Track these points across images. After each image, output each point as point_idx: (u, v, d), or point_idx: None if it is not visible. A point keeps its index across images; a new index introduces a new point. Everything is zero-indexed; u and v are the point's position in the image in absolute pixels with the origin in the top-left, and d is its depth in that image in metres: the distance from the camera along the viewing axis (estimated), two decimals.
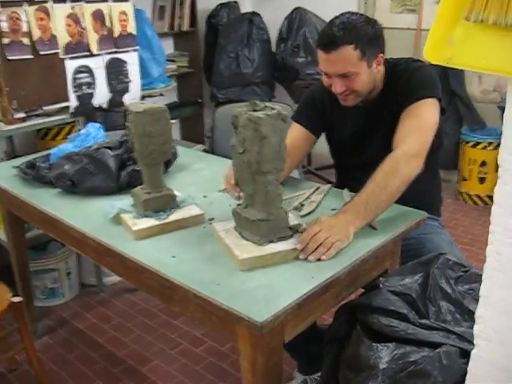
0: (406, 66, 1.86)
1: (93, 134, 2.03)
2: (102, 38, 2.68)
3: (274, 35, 4.36)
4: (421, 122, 1.74)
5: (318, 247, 1.44)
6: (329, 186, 1.95)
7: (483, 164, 3.95)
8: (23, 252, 2.45)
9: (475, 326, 0.67)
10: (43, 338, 2.66)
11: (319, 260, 1.43)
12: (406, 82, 1.81)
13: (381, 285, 1.49)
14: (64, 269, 2.90)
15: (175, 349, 2.56)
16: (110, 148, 1.94)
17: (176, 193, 1.78)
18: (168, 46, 4.48)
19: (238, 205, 1.56)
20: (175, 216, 1.65)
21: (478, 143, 3.94)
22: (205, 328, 2.64)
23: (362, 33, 1.72)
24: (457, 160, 4.14)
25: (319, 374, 2.17)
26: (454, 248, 1.91)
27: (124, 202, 1.75)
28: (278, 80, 4.44)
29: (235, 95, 4.35)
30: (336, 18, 1.78)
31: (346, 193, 1.87)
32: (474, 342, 0.66)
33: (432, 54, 0.67)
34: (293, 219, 1.56)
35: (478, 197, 4.05)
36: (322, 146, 2.16)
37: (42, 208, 1.87)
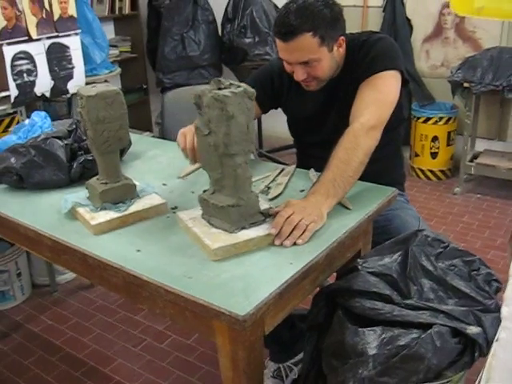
0: (365, 38, 1.80)
1: (39, 123, 1.88)
2: (41, 22, 2.50)
3: (219, 16, 4.23)
4: (380, 95, 1.69)
5: (292, 231, 1.37)
6: (293, 167, 1.87)
7: (435, 139, 3.98)
8: None
9: (504, 308, 0.61)
10: None
11: (295, 244, 1.36)
12: (366, 54, 1.76)
13: (359, 266, 1.44)
14: (14, 270, 2.73)
15: (139, 346, 2.45)
16: (58, 138, 1.80)
17: (135, 182, 1.67)
18: (109, 31, 4.31)
19: (204, 191, 1.46)
20: (136, 207, 1.54)
21: (429, 118, 3.96)
22: (169, 322, 2.55)
23: (319, 18, 1.64)
24: (408, 136, 4.16)
25: (291, 360, 2.11)
26: (422, 223, 1.88)
27: (78, 194, 1.62)
28: (225, 62, 4.34)
29: (182, 79, 4.23)
30: (292, 1, 1.69)
31: (312, 173, 1.80)
32: (502, 324, 0.60)
33: (460, 6, 0.60)
34: (263, 203, 1.48)
35: (431, 171, 4.08)
36: (274, 127, 2.08)
37: None
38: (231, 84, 1.33)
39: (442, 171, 4.08)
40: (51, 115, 3.21)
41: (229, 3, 4.14)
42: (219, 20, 4.25)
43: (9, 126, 3.07)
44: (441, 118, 3.91)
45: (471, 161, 3.81)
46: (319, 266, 1.35)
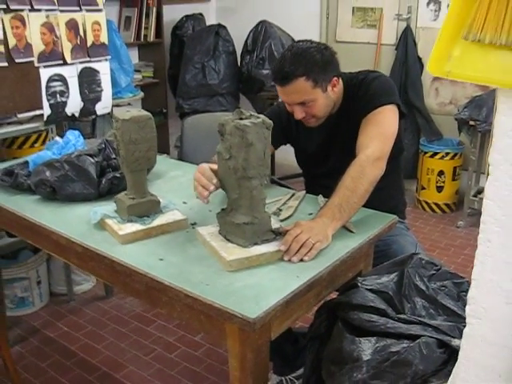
0: (363, 77, 1.98)
1: (72, 141, 2.06)
2: (75, 48, 2.71)
3: (239, 47, 4.45)
4: (381, 129, 1.86)
5: (300, 248, 1.52)
6: (303, 192, 2.03)
7: (441, 173, 4.12)
8: None
9: (467, 307, 0.76)
10: (15, 347, 2.64)
11: (302, 260, 1.51)
12: (365, 91, 1.93)
13: (359, 284, 1.58)
14: (34, 277, 2.89)
15: (149, 355, 2.58)
16: (90, 155, 1.98)
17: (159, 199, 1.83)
18: (133, 56, 4.52)
19: (222, 209, 1.62)
20: (159, 221, 1.70)
21: (436, 153, 4.11)
22: (180, 334, 2.69)
23: (311, 63, 1.84)
24: (416, 169, 4.31)
25: (294, 374, 2.24)
26: (419, 249, 2.02)
27: (106, 207, 1.78)
28: (242, 91, 4.53)
29: (201, 106, 4.42)
30: (287, 50, 1.91)
31: (320, 198, 1.96)
32: (466, 321, 0.74)
33: (434, 67, 0.76)
34: (274, 223, 1.63)
35: (436, 205, 4.22)
36: (286, 156, 2.26)
37: (22, 214, 1.88)
38: (251, 115, 1.50)
39: (446, 205, 4.22)
40: None
41: (249, 36, 4.36)
42: (239, 51, 4.46)
43: (36, 141, 3.26)
44: (447, 154, 4.07)
45: (475, 196, 3.94)
46: (322, 281, 1.50)
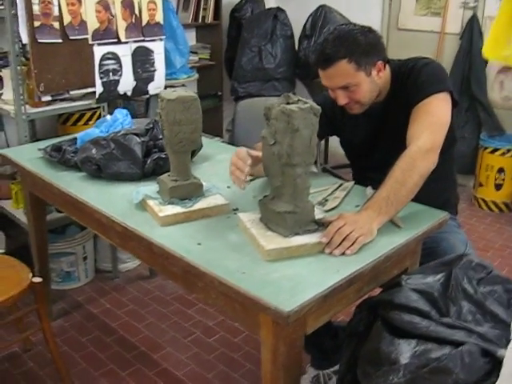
0: (412, 64, 1.88)
1: (120, 119, 2.05)
2: (130, 26, 2.70)
3: (297, 32, 4.36)
4: (433, 119, 1.76)
5: (342, 241, 1.46)
6: (351, 183, 1.96)
7: (500, 171, 3.94)
8: (43, 234, 2.48)
9: None
10: (58, 320, 2.69)
11: (343, 254, 1.45)
12: (415, 79, 1.84)
13: (403, 282, 1.50)
14: (81, 253, 2.93)
15: (188, 337, 2.58)
16: (136, 135, 1.96)
17: (202, 182, 1.80)
18: (191, 38, 4.51)
19: (265, 196, 1.57)
20: (200, 204, 1.67)
21: (497, 149, 3.93)
22: (220, 319, 2.68)
23: (354, 45, 1.76)
24: (474, 165, 4.14)
25: (332, 369, 2.19)
26: (469, 248, 1.92)
27: (149, 188, 1.77)
28: (299, 77, 4.45)
29: (256, 90, 4.37)
30: (330, 33, 1.84)
31: (368, 190, 1.88)
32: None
33: (491, 52, 0.69)
34: (318, 213, 1.57)
35: (494, 203, 4.04)
36: (339, 145, 2.18)
37: (66, 190, 1.89)
38: (299, 100, 1.44)
39: (505, 203, 4.03)
40: (130, 113, 3.43)
41: (307, 20, 4.26)
42: (297, 36, 4.38)
43: (90, 119, 3.29)
44: (509, 150, 3.88)
45: None
46: (364, 277, 1.43)
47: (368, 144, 2.01)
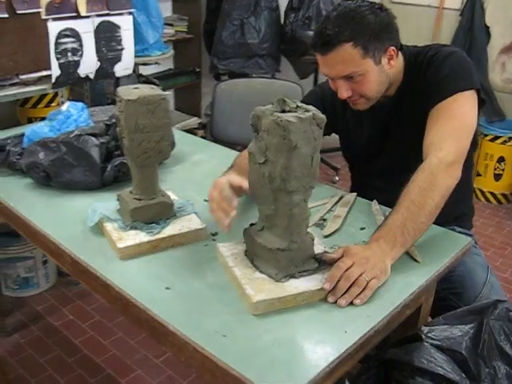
0: (433, 53, 1.55)
1: (74, 115, 1.69)
2: None
3: (283, 4, 3.98)
4: (458, 123, 1.45)
5: (350, 286, 1.15)
6: (353, 195, 1.64)
7: (500, 160, 3.66)
8: None
9: None
10: (14, 335, 2.36)
11: (351, 304, 1.14)
12: (436, 72, 1.51)
13: (423, 336, 1.21)
14: (40, 256, 2.58)
15: (161, 357, 2.27)
16: (94, 135, 1.62)
17: (172, 195, 1.47)
18: (166, 8, 4.10)
19: (252, 224, 1.25)
20: (171, 229, 1.34)
21: (497, 137, 3.64)
22: None
23: (362, 26, 1.42)
24: None
25: None
26: (491, 274, 1.63)
27: (108, 205, 1.43)
28: (284, 53, 4.09)
29: (237, 67, 4.01)
30: (333, 9, 1.48)
31: (375, 206, 1.57)
32: None
33: None
34: (316, 243, 1.25)
35: (492, 194, 3.77)
36: None
37: (9, 205, 1.54)
38: (298, 107, 1.10)
39: (503, 195, 3.76)
40: (96, 93, 3.05)
41: None
42: (283, 8, 4.00)
43: (52, 100, 2.91)
44: (510, 138, 3.59)
45: None
46: (377, 335, 1.12)
47: (373, 146, 1.69)
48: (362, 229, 1.45)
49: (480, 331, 1.20)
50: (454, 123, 1.44)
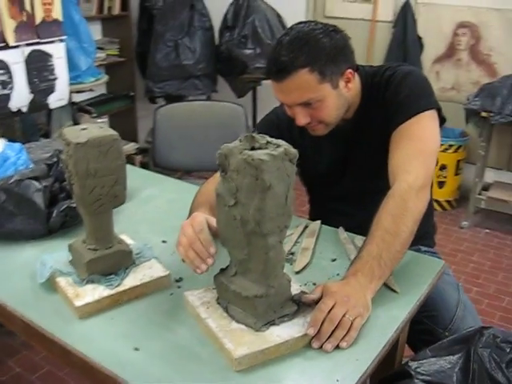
0: (390, 73, 1.51)
1: (12, 158, 1.55)
2: (20, 26, 2.16)
3: (217, 23, 3.91)
4: (422, 145, 1.41)
5: (334, 329, 1.07)
6: (317, 223, 1.57)
7: (443, 168, 3.71)
8: None
9: None
10: None
11: (337, 347, 1.06)
12: (395, 93, 1.47)
13: (412, 372, 1.15)
14: None
15: None
16: (35, 178, 1.48)
17: (127, 239, 1.36)
18: (95, 32, 3.93)
19: (222, 269, 1.15)
20: (132, 280, 1.22)
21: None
22: None
23: (317, 50, 1.37)
24: None
25: None
26: (461, 293, 1.60)
27: (58, 256, 1.30)
28: (221, 73, 4.01)
29: (174, 89, 3.90)
30: (285, 33, 1.42)
31: (342, 234, 1.51)
32: None
33: None
34: (291, 283, 1.17)
35: (437, 201, 3.82)
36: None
37: None
38: (268, 142, 1.02)
39: (448, 201, 3.82)
40: (27, 126, 2.86)
41: (229, 10, 3.81)
42: (217, 27, 3.93)
43: None
44: (451, 146, 3.65)
45: (480, 193, 3.55)
46: (367, 378, 1.05)
47: (334, 171, 1.63)
48: (334, 260, 1.39)
49: (468, 361, 1.15)
50: (418, 146, 1.40)
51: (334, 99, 1.43)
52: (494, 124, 3.24)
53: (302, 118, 1.45)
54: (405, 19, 3.77)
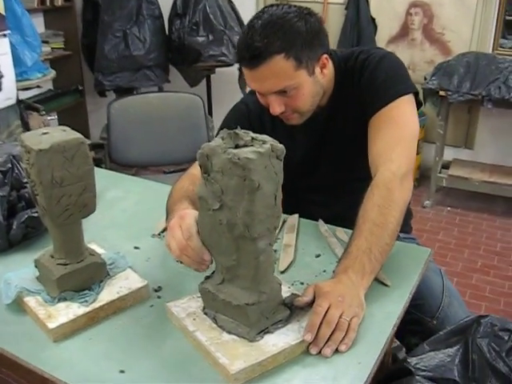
0: (364, 57, 1.45)
1: None
2: None
3: (166, 11, 3.77)
4: (402, 131, 1.37)
5: (332, 332, 1.01)
6: (295, 217, 1.51)
7: None
8: None
9: None
10: None
11: (337, 351, 1.00)
12: (371, 78, 1.41)
13: (411, 368, 1.10)
14: None
15: None
16: None
17: (97, 249, 1.26)
18: (38, 24, 3.75)
19: (207, 277, 1.07)
20: (107, 294, 1.13)
21: None
22: None
23: (292, 34, 1.29)
24: None
25: None
26: (445, 278, 1.57)
27: (24, 273, 1.19)
28: (173, 63, 3.89)
29: (125, 81, 3.77)
30: (256, 17, 1.33)
31: (322, 227, 1.45)
32: None
33: None
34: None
35: None
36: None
37: None
38: (253, 139, 0.94)
39: None
40: None
41: None
42: (166, 15, 3.79)
43: None
44: None
45: (441, 172, 3.58)
46: (372, 378, 1.00)
47: (309, 161, 1.57)
48: (318, 256, 1.33)
49: (467, 352, 1.12)
50: (399, 131, 1.35)
51: (310, 86, 1.36)
52: (454, 103, 3.24)
53: (276, 107, 1.37)
54: (357, 0, 3.73)
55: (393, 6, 3.73)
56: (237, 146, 0.93)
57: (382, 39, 3.83)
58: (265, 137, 0.95)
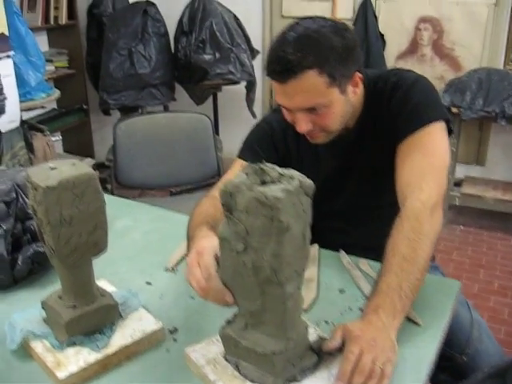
0: (395, 80, 1.38)
1: None
2: None
3: (172, 28, 3.72)
4: (434, 160, 1.29)
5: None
6: (316, 247, 1.43)
7: None
8: None
9: None
10: None
11: None
12: (402, 102, 1.34)
13: None
14: None
15: None
16: None
17: (107, 287, 1.18)
18: (42, 43, 3.70)
19: (228, 322, 0.99)
20: (120, 338, 1.05)
21: None
22: None
23: (327, 49, 1.22)
24: None
25: None
26: (473, 311, 1.49)
27: (30, 314, 1.11)
28: (179, 81, 3.82)
29: (130, 100, 3.69)
30: (289, 29, 1.25)
31: (344, 258, 1.38)
32: None
33: None
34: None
35: None
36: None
37: None
38: (281, 175, 0.87)
39: None
40: None
41: (184, 13, 3.63)
42: (172, 33, 3.74)
43: None
44: None
45: (453, 190, 3.50)
46: None
47: (332, 184, 1.48)
48: (342, 291, 1.25)
49: None
50: (430, 160, 1.27)
51: (341, 105, 1.29)
52: (467, 120, 3.17)
53: (303, 125, 1.29)
54: (365, 16, 3.68)
55: (401, 22, 3.67)
56: (263, 182, 0.86)
57: (390, 55, 3.76)
58: (292, 171, 0.88)
